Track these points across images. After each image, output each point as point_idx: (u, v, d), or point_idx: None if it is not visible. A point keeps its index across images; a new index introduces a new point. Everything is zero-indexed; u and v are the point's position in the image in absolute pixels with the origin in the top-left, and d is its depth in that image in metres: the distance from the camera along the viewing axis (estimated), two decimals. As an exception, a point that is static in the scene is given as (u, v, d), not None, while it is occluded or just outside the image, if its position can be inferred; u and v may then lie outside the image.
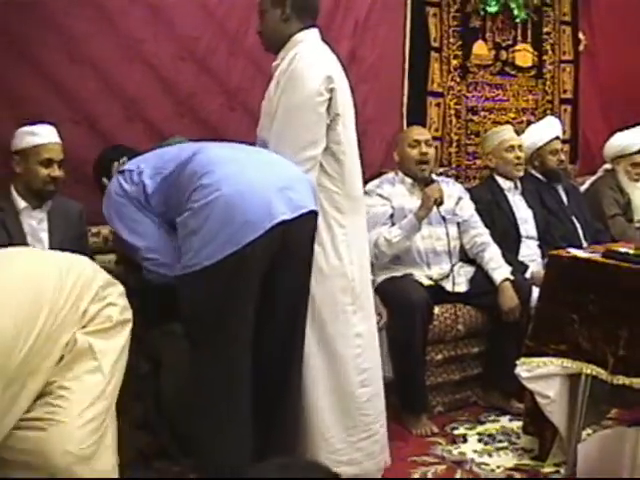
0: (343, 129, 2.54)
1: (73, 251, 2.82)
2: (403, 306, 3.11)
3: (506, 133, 3.83)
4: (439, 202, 3.24)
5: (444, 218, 3.36)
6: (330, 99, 2.47)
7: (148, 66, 3.34)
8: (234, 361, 2.22)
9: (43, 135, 2.86)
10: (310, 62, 2.49)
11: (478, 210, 3.56)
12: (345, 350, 2.54)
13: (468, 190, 3.74)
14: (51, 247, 2.85)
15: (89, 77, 3.22)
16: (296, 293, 2.34)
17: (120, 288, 2.10)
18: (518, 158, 3.73)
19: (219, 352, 2.21)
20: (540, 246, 3.69)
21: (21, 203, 2.87)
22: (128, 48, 3.29)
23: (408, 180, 3.44)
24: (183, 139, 2.89)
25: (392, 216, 3.35)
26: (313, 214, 2.32)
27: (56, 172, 2.86)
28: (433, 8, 4.19)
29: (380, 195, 3.39)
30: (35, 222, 2.89)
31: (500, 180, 3.77)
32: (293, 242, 2.24)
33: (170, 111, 3.41)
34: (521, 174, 3.77)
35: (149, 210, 2.37)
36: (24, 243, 2.81)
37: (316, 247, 2.41)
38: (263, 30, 2.64)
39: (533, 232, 3.72)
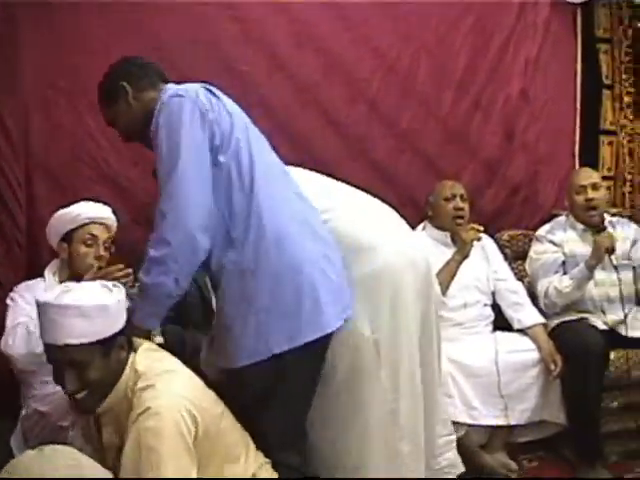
0: None
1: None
2: (578, 351, 3.05)
3: None
4: (611, 251, 3.16)
5: (616, 267, 3.25)
6: None
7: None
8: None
9: None
10: None
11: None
12: None
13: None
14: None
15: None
16: None
17: None
18: None
19: None
20: None
21: None
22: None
23: (579, 226, 3.39)
24: None
25: (564, 263, 3.32)
26: None
27: None
28: (604, 44, 4.15)
29: (552, 242, 3.37)
30: None
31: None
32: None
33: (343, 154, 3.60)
34: None
35: None
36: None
37: None
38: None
39: None
